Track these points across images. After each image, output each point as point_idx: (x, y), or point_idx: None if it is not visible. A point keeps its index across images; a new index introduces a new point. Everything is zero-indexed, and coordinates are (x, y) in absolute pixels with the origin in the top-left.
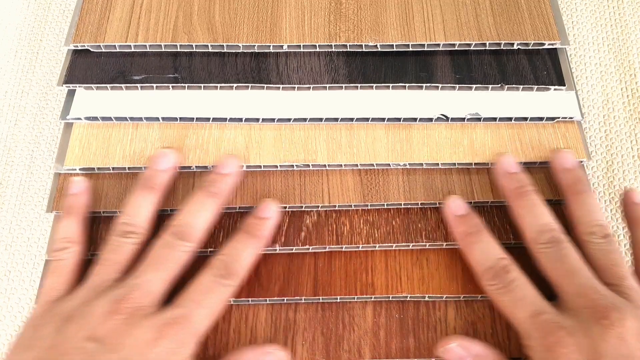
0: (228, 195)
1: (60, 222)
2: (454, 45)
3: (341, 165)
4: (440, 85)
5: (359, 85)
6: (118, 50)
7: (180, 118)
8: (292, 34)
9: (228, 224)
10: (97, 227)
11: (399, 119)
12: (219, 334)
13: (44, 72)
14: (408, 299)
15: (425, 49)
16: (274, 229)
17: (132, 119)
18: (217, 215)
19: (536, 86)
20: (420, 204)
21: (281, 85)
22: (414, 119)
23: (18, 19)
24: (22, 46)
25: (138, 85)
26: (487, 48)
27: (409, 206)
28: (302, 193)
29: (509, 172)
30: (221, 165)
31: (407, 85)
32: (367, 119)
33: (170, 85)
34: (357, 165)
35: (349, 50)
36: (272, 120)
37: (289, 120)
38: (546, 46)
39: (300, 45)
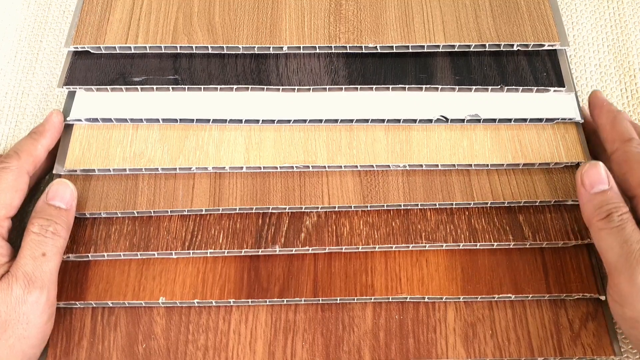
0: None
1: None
2: (453, 46)
3: (341, 167)
4: (440, 86)
5: (359, 86)
6: (118, 51)
7: (180, 119)
8: (292, 36)
9: (228, 225)
10: (96, 228)
11: (398, 121)
12: (219, 335)
13: (44, 73)
14: (408, 300)
15: (425, 50)
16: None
17: (132, 120)
18: None
19: (536, 87)
20: (420, 205)
21: (281, 87)
22: (414, 121)
23: (18, 20)
24: (22, 47)
25: (138, 86)
26: (486, 49)
27: (408, 207)
28: (301, 194)
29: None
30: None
31: (406, 86)
32: (366, 121)
33: (170, 86)
34: (356, 166)
35: (348, 51)
36: (272, 121)
37: (288, 121)
38: (546, 47)
39: (300, 47)
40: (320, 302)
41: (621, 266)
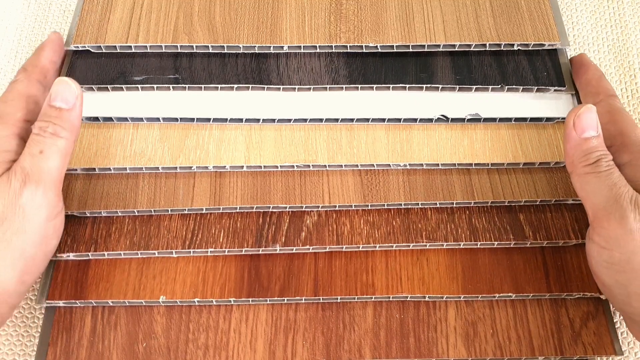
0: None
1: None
2: (454, 46)
3: (341, 166)
4: (440, 86)
5: (360, 86)
6: (119, 51)
7: (180, 118)
8: (292, 35)
9: (228, 224)
10: (97, 227)
11: (399, 120)
12: (220, 334)
13: None
14: (408, 299)
15: (426, 49)
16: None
17: (132, 119)
18: None
19: (536, 87)
20: (421, 204)
21: (281, 86)
22: (415, 120)
23: (18, 19)
24: (22, 47)
25: (139, 85)
26: (487, 49)
27: (409, 206)
28: (302, 193)
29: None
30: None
31: (407, 86)
32: (367, 120)
33: (171, 86)
34: (357, 165)
35: (349, 51)
36: (273, 120)
37: (289, 120)
38: (546, 47)
39: (300, 46)
40: (321, 301)
41: (611, 207)
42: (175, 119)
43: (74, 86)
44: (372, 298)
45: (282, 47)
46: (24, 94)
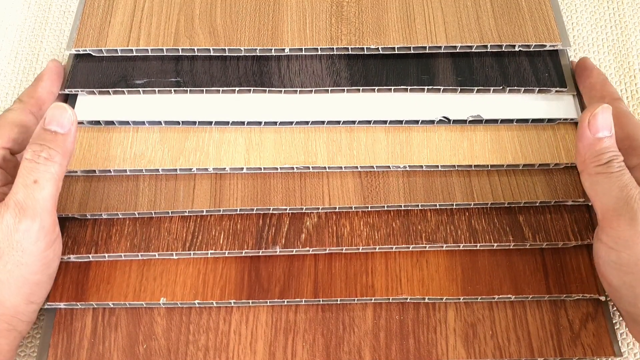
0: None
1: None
2: (455, 47)
3: (341, 167)
4: (442, 87)
5: (361, 88)
6: (120, 54)
7: (182, 122)
8: (293, 37)
9: (228, 226)
10: (97, 229)
11: (401, 122)
12: (220, 336)
13: None
14: (408, 300)
15: (427, 51)
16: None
17: (134, 123)
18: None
19: (537, 88)
20: (420, 205)
21: (283, 89)
22: (416, 122)
23: (18, 20)
24: (22, 48)
25: (140, 89)
26: (488, 50)
27: (409, 208)
28: (302, 195)
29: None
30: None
31: (408, 87)
32: (369, 122)
33: (172, 89)
34: (357, 167)
35: (350, 53)
36: (275, 123)
37: (291, 123)
38: (547, 48)
39: (302, 49)
40: (321, 302)
41: (621, 209)
42: (177, 123)
43: (70, 112)
44: (371, 300)
45: (284, 49)
46: (11, 121)
